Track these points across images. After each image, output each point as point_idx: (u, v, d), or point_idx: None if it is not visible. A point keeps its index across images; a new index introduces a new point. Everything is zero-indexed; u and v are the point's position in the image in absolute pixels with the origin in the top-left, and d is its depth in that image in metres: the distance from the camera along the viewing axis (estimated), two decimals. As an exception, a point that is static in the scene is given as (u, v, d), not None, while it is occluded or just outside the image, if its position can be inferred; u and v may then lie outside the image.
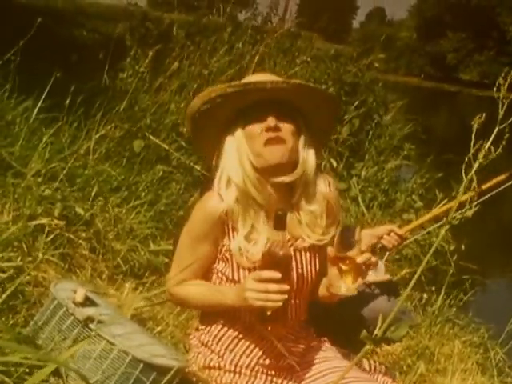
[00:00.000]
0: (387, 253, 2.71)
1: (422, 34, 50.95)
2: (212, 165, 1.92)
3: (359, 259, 1.73)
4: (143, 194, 3.48)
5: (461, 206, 1.24)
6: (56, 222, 2.67)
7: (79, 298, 1.88)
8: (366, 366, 2.01)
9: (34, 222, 2.59)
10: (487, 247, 6.91)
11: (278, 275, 1.68)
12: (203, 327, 1.97)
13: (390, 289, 2.60)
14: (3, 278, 2.13)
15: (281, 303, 1.69)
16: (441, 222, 2.75)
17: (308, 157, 1.87)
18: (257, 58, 5.70)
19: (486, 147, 1.11)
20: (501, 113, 1.13)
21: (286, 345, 1.90)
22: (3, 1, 6.92)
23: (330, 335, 2.05)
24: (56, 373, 1.75)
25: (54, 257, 2.56)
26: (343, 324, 2.30)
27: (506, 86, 1.12)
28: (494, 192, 2.50)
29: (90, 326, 1.81)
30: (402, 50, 51.03)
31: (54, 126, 3.38)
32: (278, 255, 1.69)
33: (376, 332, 1.21)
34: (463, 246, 4.45)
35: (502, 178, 2.56)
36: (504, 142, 1.12)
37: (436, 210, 2.75)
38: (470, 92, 35.98)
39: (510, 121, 1.15)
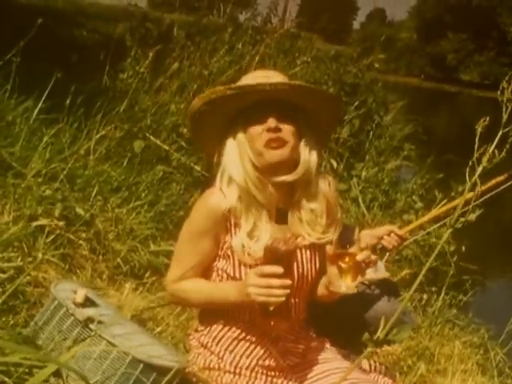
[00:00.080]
0: (387, 253, 2.70)
1: (423, 35, 50.97)
2: (213, 162, 1.92)
3: (359, 256, 1.73)
4: (143, 194, 3.47)
5: (462, 208, 1.23)
6: (56, 222, 2.67)
7: (79, 298, 1.88)
8: (367, 367, 2.01)
9: (35, 223, 2.59)
10: (487, 248, 6.91)
11: (280, 270, 1.68)
12: (202, 328, 1.97)
13: (390, 289, 2.59)
14: (3, 279, 2.13)
15: (283, 298, 1.68)
16: (441, 223, 2.75)
17: (309, 156, 1.86)
18: (257, 58, 5.70)
19: (490, 151, 1.10)
20: (504, 116, 1.13)
21: (286, 345, 1.91)
22: (3, 1, 6.93)
23: (330, 335, 2.05)
24: (56, 373, 1.74)
25: (55, 257, 2.56)
26: (343, 324, 2.29)
27: (510, 88, 1.11)
28: (493, 193, 2.50)
29: (90, 326, 1.81)
30: (403, 50, 51.07)
31: (54, 126, 3.38)
32: (280, 251, 1.68)
33: (378, 334, 1.21)
34: (463, 247, 4.45)
35: (501, 178, 2.55)
36: (508, 146, 1.11)
37: (436, 211, 2.74)
38: (470, 92, 36.03)
39: None
